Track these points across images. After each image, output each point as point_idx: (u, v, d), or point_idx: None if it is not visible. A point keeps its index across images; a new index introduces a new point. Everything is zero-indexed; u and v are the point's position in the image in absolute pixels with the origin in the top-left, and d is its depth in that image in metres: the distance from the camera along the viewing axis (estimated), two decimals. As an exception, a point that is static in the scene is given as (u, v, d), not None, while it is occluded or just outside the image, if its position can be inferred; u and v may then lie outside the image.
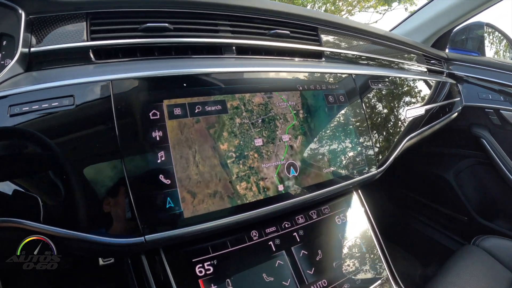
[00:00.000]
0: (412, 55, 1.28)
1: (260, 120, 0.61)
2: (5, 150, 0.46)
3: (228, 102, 0.58)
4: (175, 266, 0.55)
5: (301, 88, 0.69)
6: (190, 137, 0.53)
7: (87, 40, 0.57)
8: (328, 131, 0.70)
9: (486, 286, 0.98)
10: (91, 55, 0.57)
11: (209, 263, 0.57)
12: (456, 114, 1.39)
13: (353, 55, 0.97)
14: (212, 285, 0.55)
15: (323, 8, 7.88)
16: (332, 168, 0.68)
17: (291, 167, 0.62)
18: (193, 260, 0.56)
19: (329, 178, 0.67)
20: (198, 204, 0.52)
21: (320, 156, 0.67)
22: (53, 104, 0.47)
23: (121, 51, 0.61)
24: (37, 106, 0.47)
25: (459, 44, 1.57)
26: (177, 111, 0.53)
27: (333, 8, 7.83)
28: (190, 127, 0.53)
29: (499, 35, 1.69)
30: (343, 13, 7.92)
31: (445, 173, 1.56)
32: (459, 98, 1.44)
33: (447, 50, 1.61)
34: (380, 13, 7.93)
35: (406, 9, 7.90)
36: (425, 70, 1.33)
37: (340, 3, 7.90)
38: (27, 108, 0.46)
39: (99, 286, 1.05)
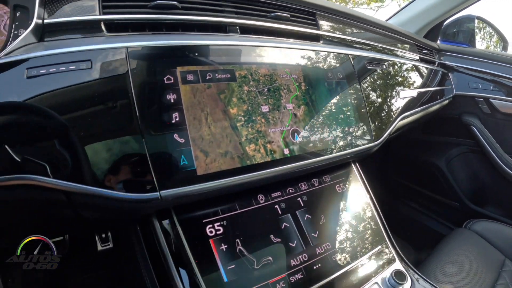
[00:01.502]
0: (405, 44, 1.33)
1: (266, 89, 0.65)
2: (22, 111, 0.47)
3: (237, 72, 0.62)
4: (186, 227, 0.57)
5: (302, 63, 0.73)
6: (202, 100, 0.56)
7: (100, 14, 0.59)
8: (328, 104, 0.74)
9: (479, 266, 1.01)
10: (103, 28, 0.59)
11: (219, 223, 0.60)
12: (447, 101, 1.43)
13: (350, 40, 1.02)
14: (222, 244, 0.58)
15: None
16: (332, 137, 0.72)
17: (295, 133, 0.66)
18: (203, 221, 0.59)
19: (329, 147, 0.71)
20: (211, 162, 0.55)
21: (322, 126, 0.71)
22: (70, 67, 0.49)
23: (131, 26, 0.63)
24: (54, 69, 0.48)
25: (450, 37, 1.62)
26: (190, 77, 0.57)
27: (327, 3, 7.85)
28: (202, 92, 0.57)
29: (490, 29, 1.75)
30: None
31: (437, 160, 1.60)
32: (450, 87, 1.49)
33: (438, 42, 1.66)
34: (374, 10, 7.97)
35: (399, 6, 7.94)
36: (417, 58, 1.37)
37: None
38: (45, 70, 0.48)
39: (97, 272, 1.07)
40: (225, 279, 0.56)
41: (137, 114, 0.51)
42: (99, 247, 0.90)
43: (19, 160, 0.46)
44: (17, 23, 0.54)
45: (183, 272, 0.55)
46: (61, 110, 0.48)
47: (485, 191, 1.56)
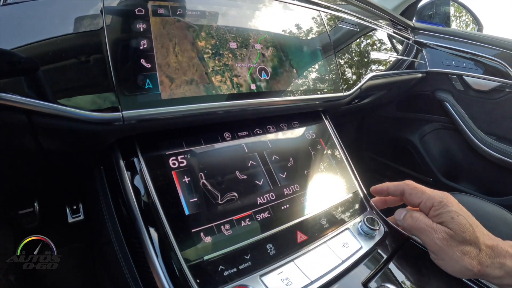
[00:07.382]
0: (381, 19, 1.36)
1: (235, 28, 0.66)
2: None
3: (207, 10, 0.64)
4: (149, 158, 0.57)
5: (273, 11, 0.76)
6: (171, 32, 0.58)
7: None
8: (297, 50, 0.76)
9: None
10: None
11: (182, 156, 0.59)
12: (420, 75, 1.47)
13: (325, 5, 1.04)
14: (185, 177, 0.58)
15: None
16: (301, 81, 0.74)
17: (263, 71, 0.68)
18: (166, 153, 0.59)
19: (298, 89, 0.73)
20: (176, 88, 0.55)
21: (290, 69, 0.73)
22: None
23: None
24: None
25: (426, 18, 1.67)
26: (160, 10, 0.58)
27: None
28: (172, 24, 0.58)
29: (466, 18, 1.80)
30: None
31: (411, 136, 1.65)
32: (423, 62, 1.53)
33: (413, 21, 1.70)
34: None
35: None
36: (392, 33, 1.41)
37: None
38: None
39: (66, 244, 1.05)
40: (187, 212, 0.55)
41: (106, 38, 0.51)
42: (70, 219, 0.89)
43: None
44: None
45: (145, 205, 0.55)
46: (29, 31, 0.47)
47: (458, 166, 1.60)
